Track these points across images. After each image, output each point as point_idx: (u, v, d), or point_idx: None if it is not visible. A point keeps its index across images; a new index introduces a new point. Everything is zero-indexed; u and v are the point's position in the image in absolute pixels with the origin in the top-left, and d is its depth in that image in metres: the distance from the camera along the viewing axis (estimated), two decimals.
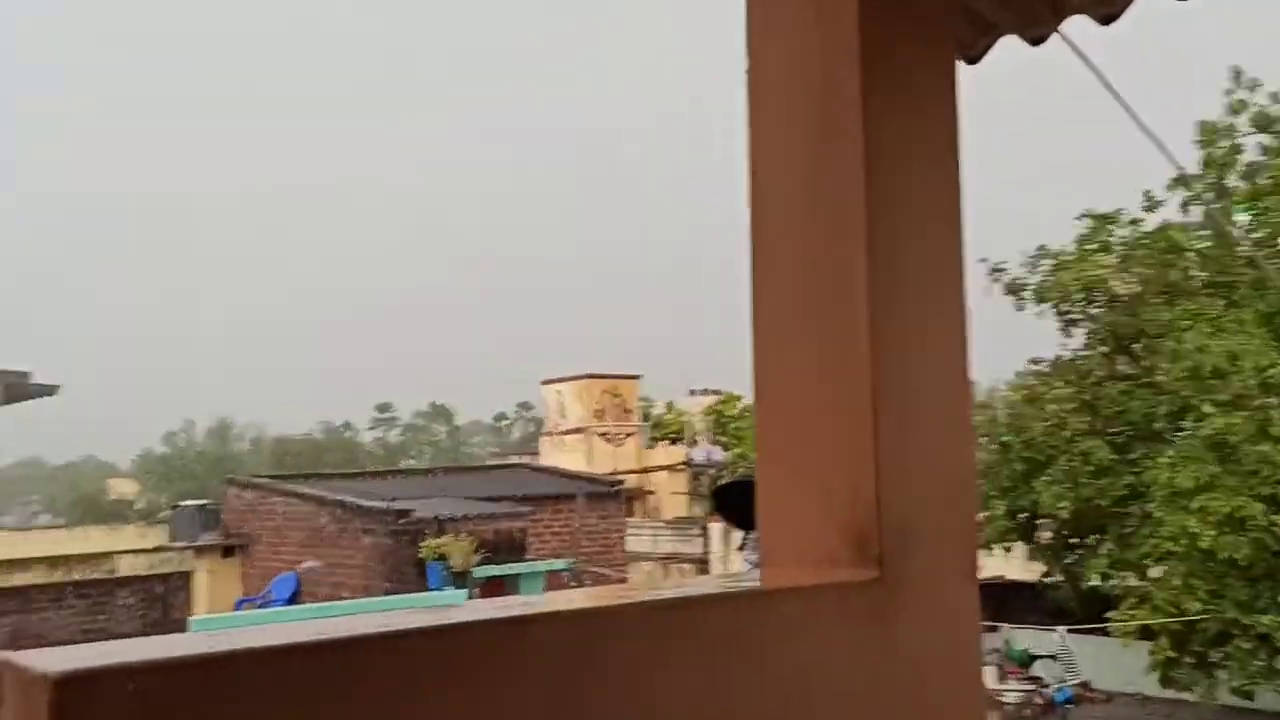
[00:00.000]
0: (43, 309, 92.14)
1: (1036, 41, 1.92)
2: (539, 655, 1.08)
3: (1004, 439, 18.97)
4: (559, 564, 17.01)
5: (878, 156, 1.45)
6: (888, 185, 1.47)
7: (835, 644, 1.39)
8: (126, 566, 20.67)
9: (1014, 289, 19.28)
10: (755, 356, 1.54)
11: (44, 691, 0.80)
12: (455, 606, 1.16)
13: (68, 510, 61.12)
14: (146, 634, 18.60)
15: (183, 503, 22.65)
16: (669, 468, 30.31)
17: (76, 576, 19.73)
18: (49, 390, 8.97)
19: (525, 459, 30.80)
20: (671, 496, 29.54)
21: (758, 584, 1.49)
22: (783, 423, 1.54)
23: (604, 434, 30.37)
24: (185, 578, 20.10)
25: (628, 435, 30.87)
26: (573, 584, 16.97)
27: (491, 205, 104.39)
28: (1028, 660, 18.16)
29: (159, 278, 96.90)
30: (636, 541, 24.39)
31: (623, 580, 19.56)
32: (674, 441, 31.88)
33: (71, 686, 0.81)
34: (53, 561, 20.30)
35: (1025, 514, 19.37)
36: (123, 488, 66.05)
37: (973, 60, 1.95)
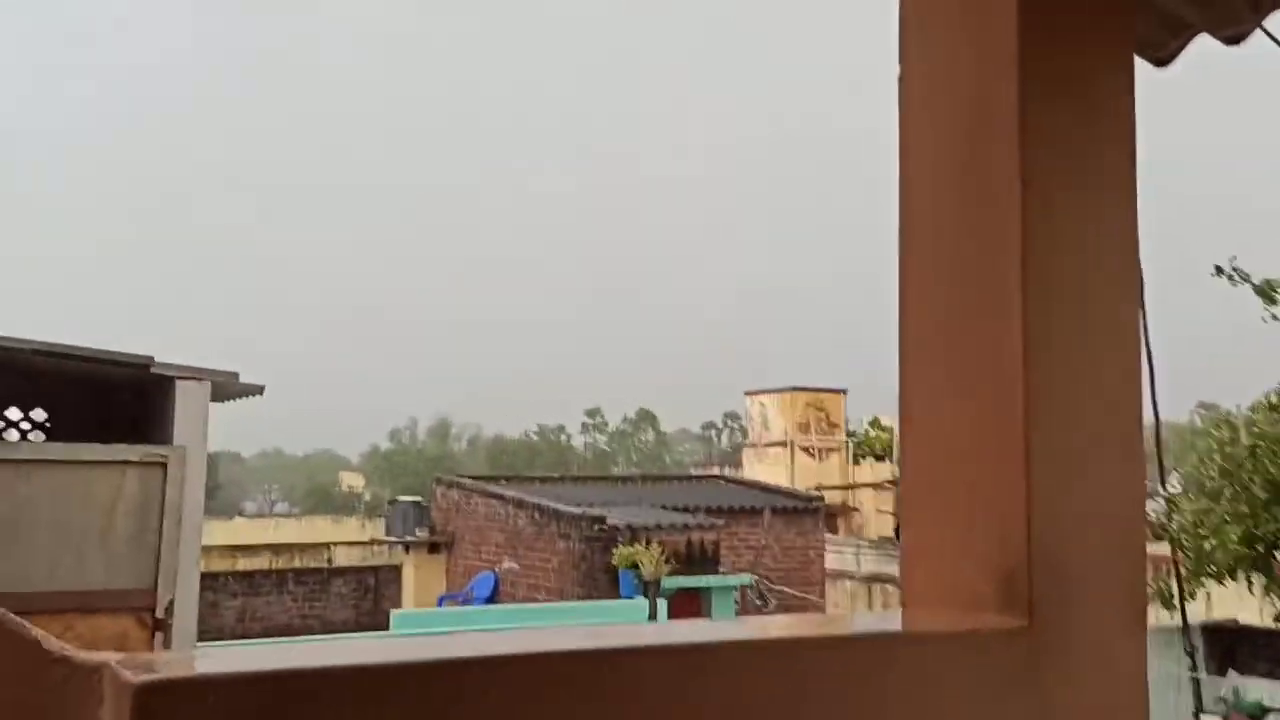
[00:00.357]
0: (289, 308, 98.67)
1: (1233, 41, 1.75)
2: (629, 691, 1.03)
3: (1246, 459, 17.59)
4: (743, 579, 16.88)
5: (1035, 165, 1.35)
6: (1046, 195, 1.36)
7: (976, 698, 1.28)
8: (343, 557, 21.90)
9: (1266, 291, 17.69)
10: (901, 378, 1.46)
11: (128, 698, 0.82)
12: (539, 632, 1.13)
13: (302, 500, 65.29)
14: (359, 622, 19.64)
15: (399, 498, 23.75)
16: (874, 485, 29.68)
17: (298, 564, 21.05)
18: (256, 390, 9.63)
19: (728, 470, 30.84)
20: (878, 515, 28.88)
21: (895, 627, 1.40)
22: (927, 449, 1.44)
23: (807, 448, 30.04)
24: (395, 571, 21.06)
25: (831, 450, 30.43)
26: (756, 601, 16.84)
27: (708, 212, 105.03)
28: (1259, 713, 16.77)
29: (400, 281, 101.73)
30: (838, 560, 23.98)
31: (818, 598, 19.25)
32: (881, 458, 31.16)
33: (152, 695, 0.83)
34: (277, 549, 21.74)
35: (1264, 543, 17.95)
36: (352, 481, 70.05)
37: (1162, 62, 1.79)
